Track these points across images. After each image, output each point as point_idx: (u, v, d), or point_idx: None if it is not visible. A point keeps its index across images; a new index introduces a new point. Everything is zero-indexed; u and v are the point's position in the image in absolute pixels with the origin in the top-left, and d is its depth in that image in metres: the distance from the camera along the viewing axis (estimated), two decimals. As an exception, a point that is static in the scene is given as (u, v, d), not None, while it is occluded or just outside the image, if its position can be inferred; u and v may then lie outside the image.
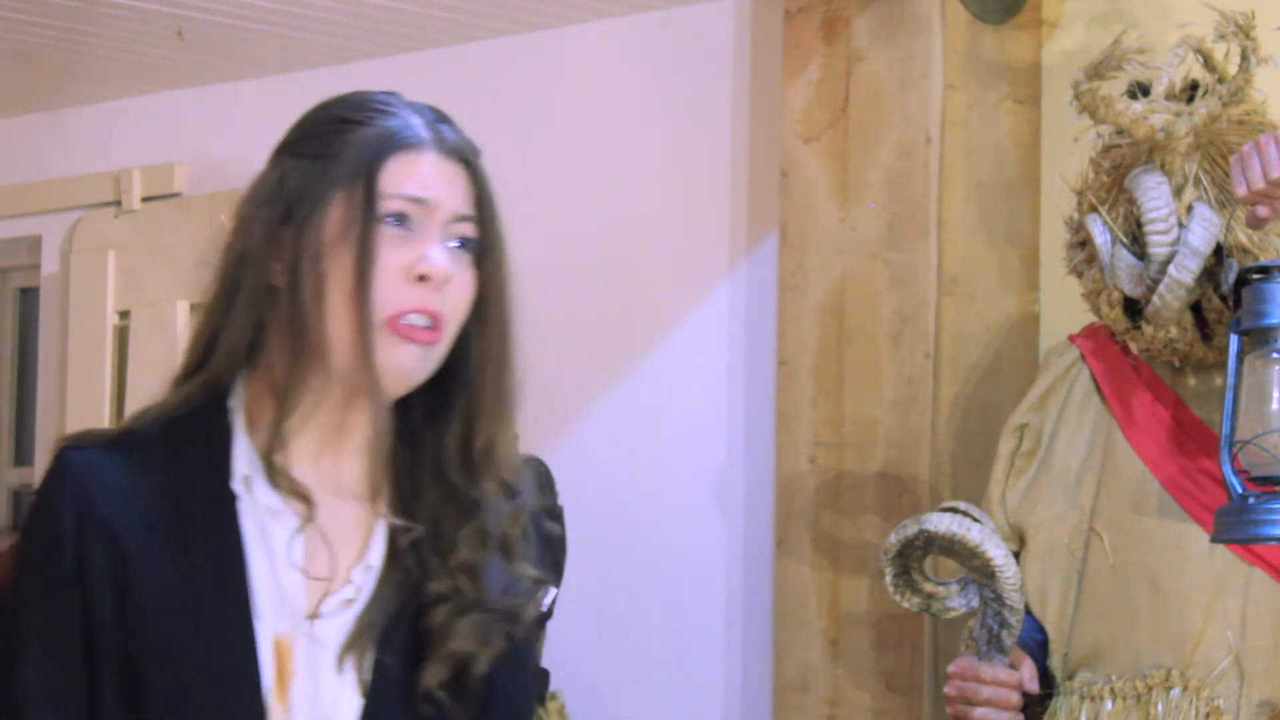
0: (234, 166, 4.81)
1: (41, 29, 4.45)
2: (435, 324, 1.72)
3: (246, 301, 1.71)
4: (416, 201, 1.72)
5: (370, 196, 1.70)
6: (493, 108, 4.44)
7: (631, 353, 4.24)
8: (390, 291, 1.69)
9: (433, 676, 1.74)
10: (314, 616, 1.73)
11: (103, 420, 4.93)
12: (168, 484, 1.70)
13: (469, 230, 1.75)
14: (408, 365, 1.71)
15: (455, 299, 1.73)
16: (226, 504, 1.71)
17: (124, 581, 1.67)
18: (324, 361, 1.70)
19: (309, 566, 1.74)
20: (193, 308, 4.78)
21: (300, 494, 1.71)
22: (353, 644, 1.74)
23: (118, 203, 5.00)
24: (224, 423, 1.73)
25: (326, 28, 4.39)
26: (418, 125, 1.76)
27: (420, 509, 1.77)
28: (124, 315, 4.97)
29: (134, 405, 5.35)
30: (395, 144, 1.73)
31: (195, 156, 4.90)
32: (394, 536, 1.77)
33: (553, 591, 3.39)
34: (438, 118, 1.79)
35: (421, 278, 1.70)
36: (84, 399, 4.97)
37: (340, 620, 1.75)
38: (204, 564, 1.69)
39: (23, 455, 5.43)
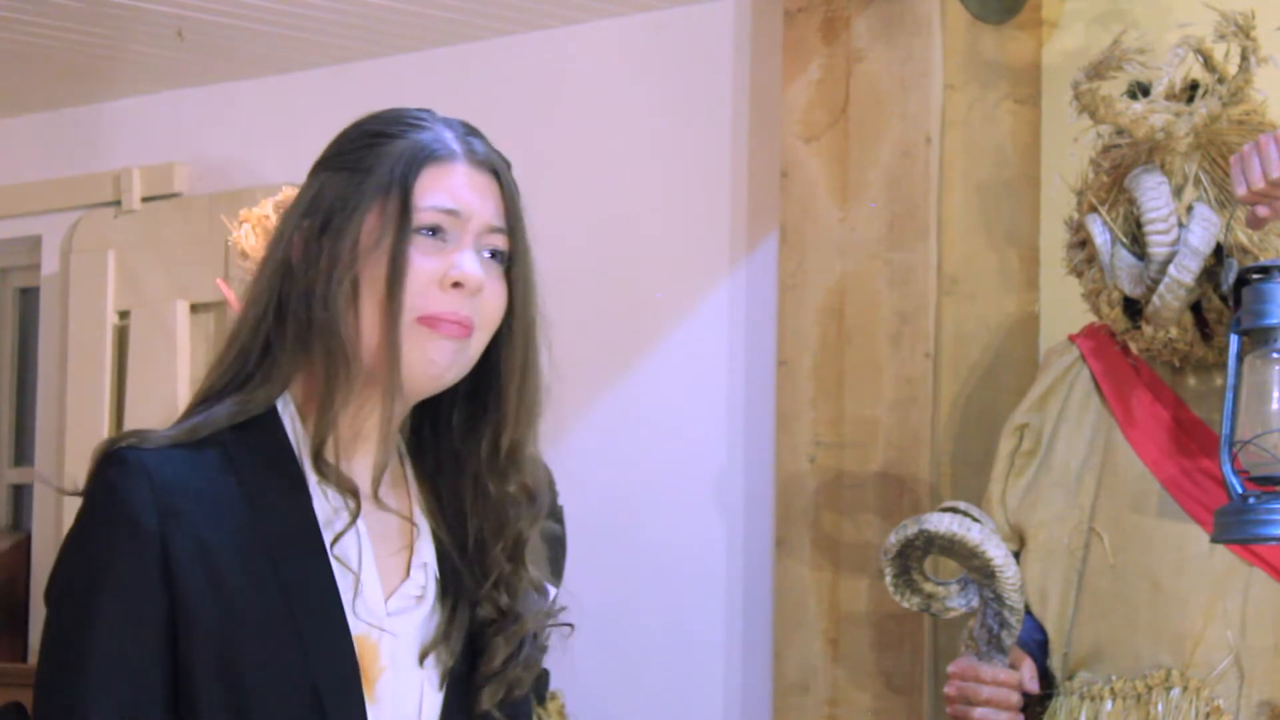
0: (234, 166, 4.81)
1: (41, 29, 4.45)
2: (467, 331, 1.78)
3: (294, 310, 1.75)
4: (448, 212, 1.77)
5: (405, 207, 1.75)
6: (493, 108, 4.44)
7: (631, 353, 4.24)
8: (423, 297, 1.74)
9: (489, 699, 1.81)
10: (390, 613, 1.77)
11: (103, 421, 4.93)
12: (242, 487, 1.72)
13: (500, 241, 1.82)
14: (440, 361, 1.76)
15: (487, 307, 1.79)
16: (304, 505, 1.74)
17: (217, 585, 1.68)
18: (358, 364, 1.75)
19: (379, 564, 1.78)
20: (193, 308, 4.84)
21: (350, 489, 1.74)
22: (438, 640, 1.79)
23: (118, 203, 5.00)
24: (283, 427, 1.76)
25: (326, 28, 4.40)
26: (449, 138, 1.80)
27: (455, 515, 1.84)
28: (124, 315, 4.97)
29: (134, 405, 5.33)
30: (428, 156, 1.78)
31: (195, 156, 4.90)
32: (436, 540, 1.83)
33: (552, 591, 3.39)
34: (468, 131, 1.83)
35: (455, 285, 1.75)
36: (84, 399, 4.97)
37: (415, 616, 1.79)
38: (293, 565, 1.71)
39: (23, 455, 5.43)
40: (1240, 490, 2.45)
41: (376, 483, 1.77)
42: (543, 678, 3.53)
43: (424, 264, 1.75)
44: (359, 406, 1.76)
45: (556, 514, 3.50)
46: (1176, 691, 2.75)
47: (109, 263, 4.97)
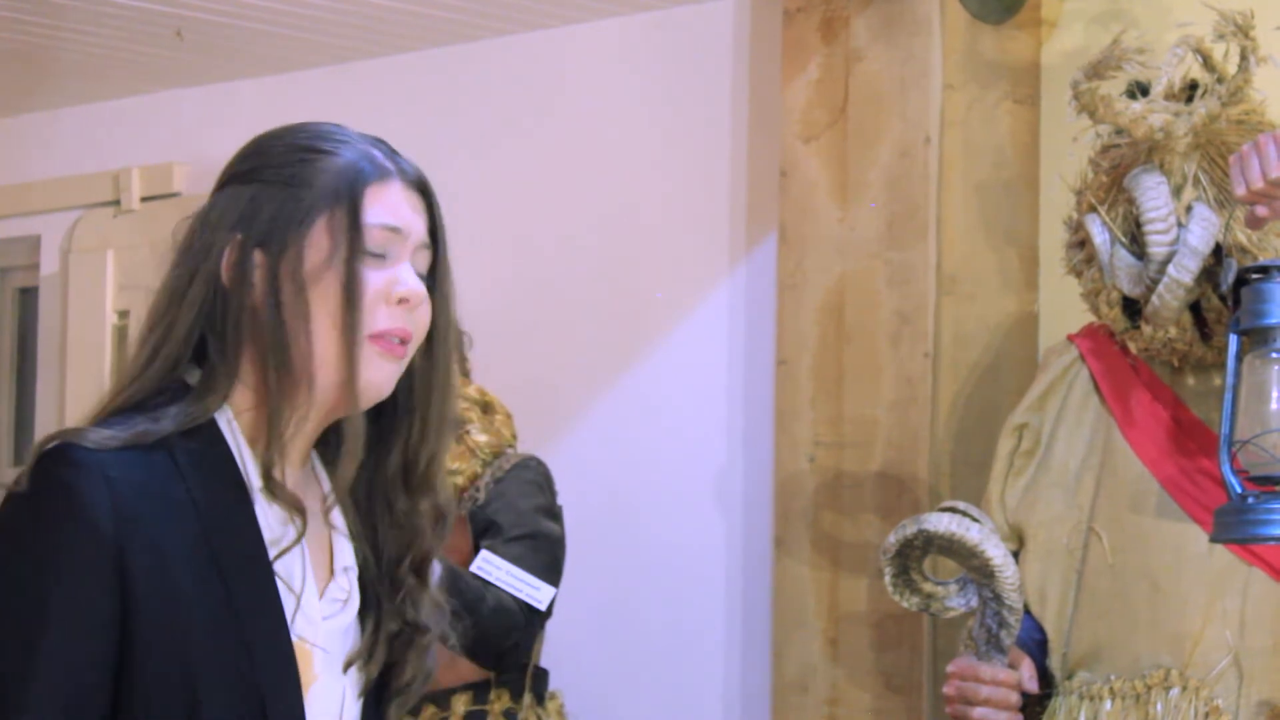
0: (234, 166, 4.80)
1: (41, 29, 4.45)
2: (404, 342, 1.80)
3: (233, 325, 1.76)
4: (392, 230, 1.79)
5: (356, 225, 1.76)
6: (493, 108, 4.44)
7: (631, 353, 4.24)
8: (372, 314, 1.77)
9: (396, 713, 1.86)
10: (325, 621, 1.79)
11: (102, 420, 4.92)
12: (191, 494, 1.72)
13: (425, 258, 1.84)
14: (382, 381, 1.79)
15: (422, 322, 1.82)
16: (250, 516, 1.75)
17: (169, 591, 1.68)
18: (308, 381, 1.76)
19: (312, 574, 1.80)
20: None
21: (298, 507, 1.76)
22: (362, 652, 1.82)
23: (117, 202, 5.01)
24: (227, 439, 1.77)
25: (326, 28, 4.40)
26: (379, 157, 1.82)
27: (367, 527, 1.86)
28: (123, 315, 4.97)
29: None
30: (369, 174, 1.79)
31: (195, 156, 4.91)
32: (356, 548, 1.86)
33: (552, 591, 3.39)
34: (390, 149, 1.86)
35: (401, 300, 1.78)
36: (84, 399, 4.95)
37: (340, 621, 1.81)
38: (240, 576, 1.72)
39: (22, 455, 5.43)
40: (1239, 490, 2.45)
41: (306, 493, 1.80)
42: (542, 677, 3.53)
43: (371, 280, 1.77)
44: (303, 420, 1.78)
45: (556, 514, 3.50)
46: (1175, 691, 2.75)
47: (108, 262, 4.97)
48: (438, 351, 1.85)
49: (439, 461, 1.87)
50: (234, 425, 1.77)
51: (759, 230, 4.03)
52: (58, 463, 1.70)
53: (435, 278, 1.84)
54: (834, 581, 3.65)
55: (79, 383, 4.98)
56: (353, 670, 1.81)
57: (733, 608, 4.03)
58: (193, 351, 1.77)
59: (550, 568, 3.40)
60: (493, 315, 3.87)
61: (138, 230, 4.94)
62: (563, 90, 4.36)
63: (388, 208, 1.79)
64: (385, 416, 1.84)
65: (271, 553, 1.75)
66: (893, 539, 2.73)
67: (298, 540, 1.76)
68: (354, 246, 1.76)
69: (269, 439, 1.75)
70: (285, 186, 1.78)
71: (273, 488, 1.75)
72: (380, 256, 1.78)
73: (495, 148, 4.43)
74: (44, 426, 5.16)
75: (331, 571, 1.82)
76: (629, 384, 4.24)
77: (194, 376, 1.77)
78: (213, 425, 1.75)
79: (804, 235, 3.74)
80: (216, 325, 1.77)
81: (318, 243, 1.76)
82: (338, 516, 1.84)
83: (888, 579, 2.77)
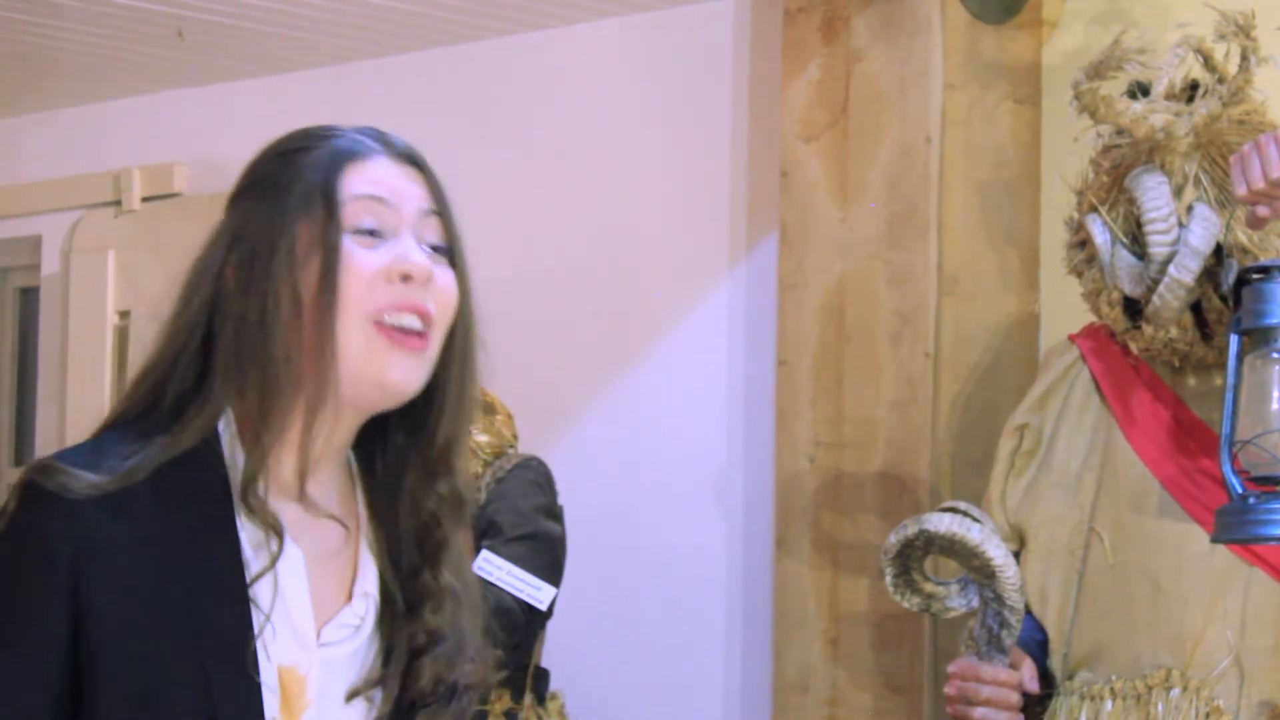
0: (234, 166, 4.77)
1: (41, 29, 4.45)
2: (425, 323, 1.72)
3: (229, 342, 1.70)
4: (376, 200, 1.71)
5: (331, 207, 1.69)
6: (493, 108, 4.44)
7: (631, 353, 4.24)
8: (374, 292, 1.69)
9: None
10: (322, 643, 1.73)
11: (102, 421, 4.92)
12: (169, 524, 1.67)
13: (436, 228, 1.75)
14: (398, 378, 1.71)
15: (441, 297, 1.73)
16: (229, 539, 1.69)
17: (125, 624, 1.64)
18: (299, 383, 1.69)
19: (314, 594, 1.73)
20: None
21: (274, 527, 1.69)
22: (371, 683, 1.74)
23: (118, 203, 5.01)
24: (219, 458, 1.71)
25: (326, 28, 4.40)
26: (364, 138, 1.76)
27: (393, 534, 1.78)
28: (124, 315, 4.97)
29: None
30: (346, 156, 1.73)
31: (195, 156, 4.91)
32: (379, 560, 1.78)
33: (553, 591, 3.39)
34: (380, 133, 1.79)
35: (405, 278, 1.70)
36: (84, 399, 4.97)
37: (349, 647, 1.75)
38: (207, 603, 1.67)
39: (23, 455, 5.43)
40: (1240, 490, 2.45)
41: (302, 479, 1.72)
42: (543, 678, 3.54)
43: (367, 259, 1.69)
44: (303, 429, 1.70)
45: (556, 514, 3.50)
46: (1176, 691, 2.75)
47: (109, 263, 4.97)
48: (456, 328, 1.76)
49: (458, 444, 1.78)
50: (234, 440, 1.71)
51: (759, 230, 4.03)
52: (33, 499, 1.66)
53: (449, 251, 1.76)
54: (834, 582, 3.65)
55: (79, 383, 4.98)
56: (360, 701, 1.74)
57: (733, 608, 4.03)
58: (196, 376, 1.71)
59: (551, 568, 3.40)
60: (493, 315, 3.86)
61: (138, 230, 4.94)
62: (563, 90, 4.36)
63: (368, 180, 1.72)
64: (416, 404, 1.75)
65: (272, 573, 1.68)
66: (893, 539, 2.73)
67: (270, 565, 1.68)
68: (331, 227, 1.68)
69: (249, 456, 1.69)
70: (269, 192, 1.73)
71: (251, 504, 1.68)
72: (373, 234, 1.70)
73: (495, 148, 4.43)
74: (44, 426, 5.16)
75: (350, 595, 1.76)
76: (629, 384, 4.24)
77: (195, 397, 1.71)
78: (205, 444, 1.69)
79: (804, 235, 3.74)
80: (215, 344, 1.70)
81: (302, 238, 1.69)
82: (367, 533, 1.78)
83: (888, 579, 2.77)
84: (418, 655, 1.76)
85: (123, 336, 4.98)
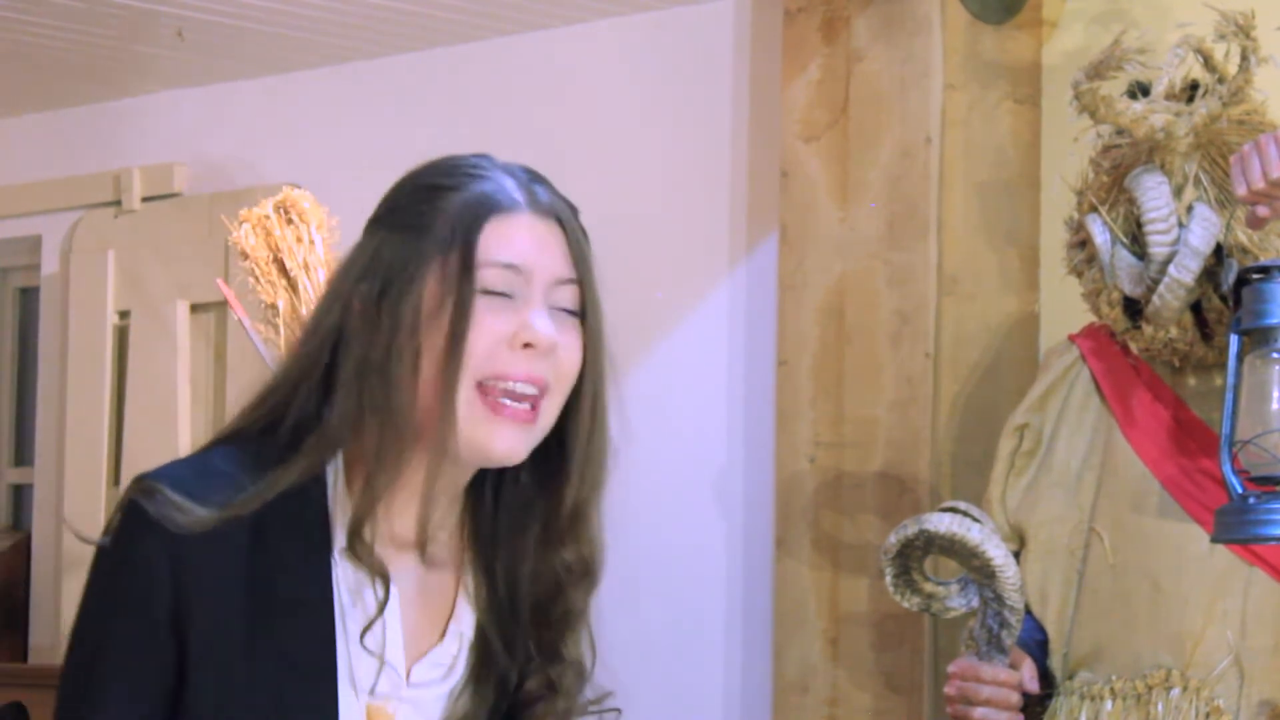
0: (234, 166, 4.81)
1: (41, 29, 4.45)
2: (540, 392, 1.69)
3: (349, 378, 1.66)
4: (510, 268, 1.68)
5: (468, 265, 1.66)
6: (493, 108, 4.44)
7: (631, 353, 4.24)
8: (490, 359, 1.66)
9: None
10: (413, 683, 1.71)
11: (103, 421, 4.92)
12: (268, 555, 1.65)
13: (570, 294, 1.75)
14: (502, 449, 1.69)
15: (563, 366, 1.73)
16: (323, 575, 1.67)
17: (220, 655, 1.63)
18: (413, 433, 1.67)
19: (406, 632, 1.71)
20: (193, 308, 4.84)
21: (380, 572, 1.67)
22: (462, 718, 1.72)
23: (118, 203, 5.00)
24: (324, 496, 1.69)
25: (326, 28, 4.39)
26: (511, 187, 1.73)
27: (506, 585, 1.77)
28: (124, 315, 4.97)
29: (134, 405, 5.29)
30: (489, 208, 1.70)
31: (195, 156, 4.90)
32: (478, 606, 1.77)
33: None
34: (531, 178, 1.77)
35: (526, 345, 1.68)
36: (84, 399, 4.97)
37: (440, 689, 1.73)
38: (291, 635, 1.65)
39: (22, 455, 5.43)
40: (1240, 490, 2.45)
41: (422, 540, 1.70)
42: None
43: (492, 323, 1.66)
44: (412, 474, 1.68)
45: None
46: (1176, 691, 2.75)
47: (109, 263, 4.97)
48: (585, 388, 1.75)
49: (589, 510, 1.80)
50: (340, 478, 1.68)
51: (759, 230, 4.03)
52: (128, 517, 1.65)
53: (584, 314, 1.74)
54: (835, 582, 3.65)
55: (79, 383, 4.98)
56: None
57: (733, 608, 4.02)
58: (317, 405, 1.68)
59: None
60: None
61: (138, 230, 4.94)
62: (563, 90, 4.36)
63: (507, 243, 1.68)
64: (543, 462, 1.74)
65: (352, 615, 1.66)
66: (893, 539, 2.73)
67: (379, 614, 1.66)
68: (464, 290, 1.64)
69: (360, 501, 1.66)
70: (407, 230, 1.68)
71: (358, 550, 1.65)
72: (505, 296, 1.67)
73: (495, 148, 4.40)
74: (44, 427, 5.16)
75: (444, 634, 1.74)
76: (629, 384, 4.22)
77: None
78: (314, 484, 1.67)
79: (804, 235, 3.74)
80: (331, 381, 1.67)
81: (432, 287, 1.65)
82: (467, 575, 1.76)
83: (888, 579, 2.77)
84: (534, 710, 1.76)
85: (123, 336, 4.98)
